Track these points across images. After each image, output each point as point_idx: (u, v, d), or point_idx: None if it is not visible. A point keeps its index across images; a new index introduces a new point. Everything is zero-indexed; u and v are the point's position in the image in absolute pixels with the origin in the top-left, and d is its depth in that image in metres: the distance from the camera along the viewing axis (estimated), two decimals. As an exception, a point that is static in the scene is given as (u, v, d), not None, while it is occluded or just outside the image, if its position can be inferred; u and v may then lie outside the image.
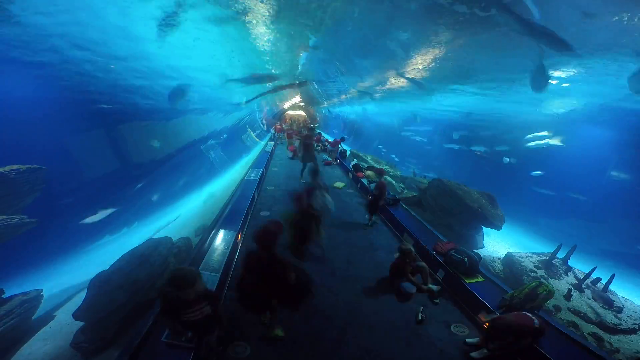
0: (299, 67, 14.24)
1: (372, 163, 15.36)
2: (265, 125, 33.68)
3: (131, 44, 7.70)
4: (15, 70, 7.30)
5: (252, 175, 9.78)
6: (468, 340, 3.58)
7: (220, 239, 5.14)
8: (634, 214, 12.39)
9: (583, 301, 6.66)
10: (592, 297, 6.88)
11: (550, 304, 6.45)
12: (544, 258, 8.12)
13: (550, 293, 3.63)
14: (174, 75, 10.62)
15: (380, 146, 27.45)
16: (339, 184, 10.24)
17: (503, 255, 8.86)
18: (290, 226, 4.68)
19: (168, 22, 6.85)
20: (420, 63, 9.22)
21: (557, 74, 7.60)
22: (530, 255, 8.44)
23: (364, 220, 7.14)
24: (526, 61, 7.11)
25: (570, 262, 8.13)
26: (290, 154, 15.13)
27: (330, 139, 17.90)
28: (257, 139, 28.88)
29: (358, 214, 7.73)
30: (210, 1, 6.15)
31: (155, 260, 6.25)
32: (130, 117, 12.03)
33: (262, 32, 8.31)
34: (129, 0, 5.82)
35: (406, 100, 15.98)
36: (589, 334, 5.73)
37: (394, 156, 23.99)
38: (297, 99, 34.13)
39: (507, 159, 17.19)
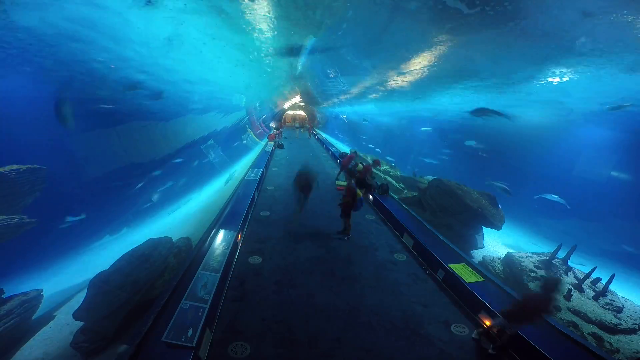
0: (299, 67, 14.24)
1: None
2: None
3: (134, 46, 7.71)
4: (14, 70, 7.30)
5: (252, 175, 9.78)
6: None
7: (220, 239, 5.14)
8: (634, 214, 12.40)
9: (583, 301, 6.66)
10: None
11: (550, 304, 6.46)
12: (544, 258, 8.11)
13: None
14: (175, 70, 10.60)
15: (371, 145, 27.52)
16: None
17: (503, 255, 8.86)
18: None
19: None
20: (420, 62, 9.21)
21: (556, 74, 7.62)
22: (530, 255, 8.44)
23: (364, 221, 7.14)
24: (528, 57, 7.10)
25: (570, 262, 8.13)
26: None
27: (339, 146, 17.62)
28: (257, 139, 28.89)
29: (358, 214, 7.72)
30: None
31: (155, 260, 6.26)
32: (130, 117, 12.03)
33: (262, 32, 8.31)
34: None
35: (408, 99, 15.96)
36: (589, 334, 5.73)
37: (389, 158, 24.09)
38: (297, 98, 34.14)
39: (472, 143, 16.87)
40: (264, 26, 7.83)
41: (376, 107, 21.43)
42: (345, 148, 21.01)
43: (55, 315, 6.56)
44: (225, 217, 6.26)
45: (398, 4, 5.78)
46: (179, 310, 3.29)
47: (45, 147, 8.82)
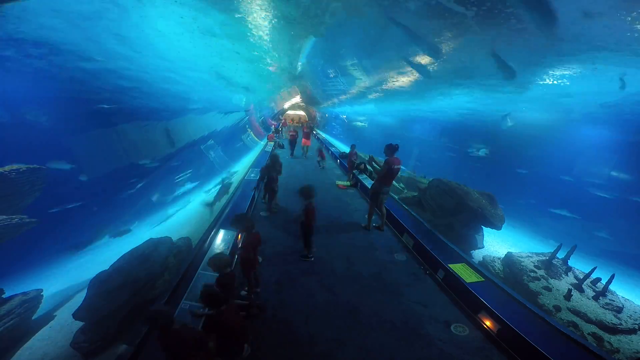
0: (299, 68, 14.25)
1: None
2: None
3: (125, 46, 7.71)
4: (14, 70, 7.29)
5: (252, 175, 9.77)
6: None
7: (220, 239, 5.14)
8: (634, 214, 12.40)
9: (583, 301, 6.66)
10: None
11: (550, 304, 6.47)
12: (544, 258, 8.12)
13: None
14: (173, 72, 10.62)
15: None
16: (342, 183, 10.29)
17: (503, 255, 8.87)
18: None
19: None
20: (420, 62, 9.21)
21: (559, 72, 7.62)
22: (530, 255, 8.44)
23: (364, 221, 7.13)
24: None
25: (570, 262, 8.14)
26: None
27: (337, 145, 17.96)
28: (256, 139, 28.89)
29: (358, 214, 7.73)
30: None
31: (155, 260, 6.26)
32: (131, 117, 12.03)
33: (262, 32, 8.31)
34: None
35: (407, 99, 15.96)
36: (589, 334, 5.73)
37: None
38: (297, 98, 34.15)
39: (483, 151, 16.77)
40: (264, 25, 7.83)
41: (376, 107, 21.43)
42: (345, 147, 20.99)
43: (55, 315, 6.56)
44: (225, 217, 6.26)
45: (399, 4, 5.79)
46: (179, 310, 3.29)
47: (45, 147, 8.82)
